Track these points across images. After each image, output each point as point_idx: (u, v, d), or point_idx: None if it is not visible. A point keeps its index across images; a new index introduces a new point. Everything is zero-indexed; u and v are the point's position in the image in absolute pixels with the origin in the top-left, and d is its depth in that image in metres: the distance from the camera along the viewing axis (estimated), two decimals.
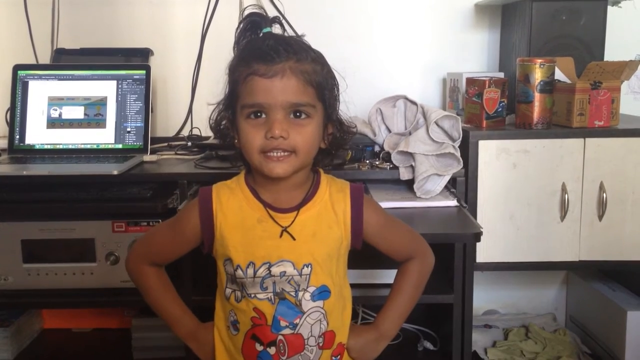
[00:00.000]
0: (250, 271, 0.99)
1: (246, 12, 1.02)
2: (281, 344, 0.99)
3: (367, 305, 1.82)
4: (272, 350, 1.00)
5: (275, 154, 0.94)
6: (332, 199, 1.03)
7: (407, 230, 1.12)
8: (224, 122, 1.03)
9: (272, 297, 0.99)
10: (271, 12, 1.04)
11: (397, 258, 1.11)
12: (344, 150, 1.08)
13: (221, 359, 1.06)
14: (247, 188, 1.02)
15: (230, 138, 1.03)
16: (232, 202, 1.01)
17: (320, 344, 1.02)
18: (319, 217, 1.01)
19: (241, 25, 1.01)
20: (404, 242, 1.10)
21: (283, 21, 1.03)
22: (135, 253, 1.10)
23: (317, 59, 0.97)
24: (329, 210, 1.02)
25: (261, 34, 0.99)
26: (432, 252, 1.12)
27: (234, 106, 0.99)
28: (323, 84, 0.96)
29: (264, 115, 0.94)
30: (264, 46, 0.94)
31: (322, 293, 1.00)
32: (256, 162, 0.96)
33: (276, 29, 1.01)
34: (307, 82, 0.94)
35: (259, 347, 1.00)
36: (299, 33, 1.03)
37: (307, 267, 0.99)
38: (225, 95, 1.02)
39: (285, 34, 1.02)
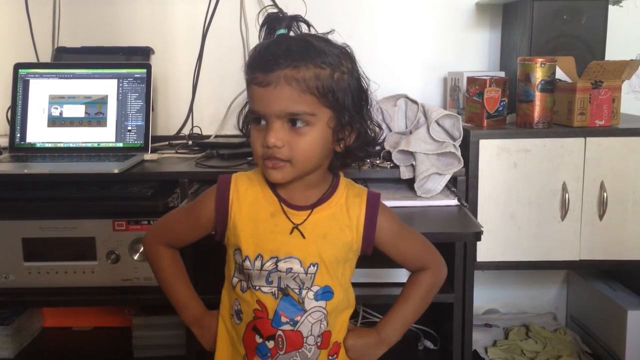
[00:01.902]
0: (257, 263, 0.99)
1: (264, 14, 1.01)
2: (280, 339, 1.00)
3: (367, 304, 1.82)
4: (270, 344, 1.00)
5: (271, 162, 0.94)
6: (348, 202, 1.02)
7: (421, 241, 1.10)
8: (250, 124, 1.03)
9: (276, 291, 0.99)
10: (273, 11, 1.03)
11: (409, 268, 1.11)
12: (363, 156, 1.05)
13: (222, 346, 1.06)
14: (265, 181, 1.02)
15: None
16: (249, 193, 1.02)
17: (319, 344, 1.02)
18: (333, 219, 1.01)
19: (260, 29, 1.00)
20: (417, 253, 1.09)
21: (304, 21, 1.01)
22: (153, 232, 1.11)
23: (326, 61, 0.93)
24: (344, 214, 1.02)
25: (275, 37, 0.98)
26: (445, 266, 1.11)
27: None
28: (329, 88, 0.93)
29: (264, 122, 0.94)
30: (265, 53, 0.93)
31: (326, 294, 1.01)
32: (260, 167, 0.98)
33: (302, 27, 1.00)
34: (304, 90, 0.91)
35: (259, 340, 1.00)
36: (311, 31, 1.00)
37: (314, 266, 0.99)
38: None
39: (312, 30, 1.00)
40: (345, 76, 0.95)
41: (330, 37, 0.99)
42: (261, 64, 0.92)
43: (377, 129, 1.04)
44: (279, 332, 1.00)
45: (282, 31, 0.98)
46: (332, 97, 0.94)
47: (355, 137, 0.99)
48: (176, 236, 1.10)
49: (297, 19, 1.00)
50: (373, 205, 1.03)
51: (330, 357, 1.05)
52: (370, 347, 1.09)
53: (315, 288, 1.00)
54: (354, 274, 1.08)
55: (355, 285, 1.09)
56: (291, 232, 0.99)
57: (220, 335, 1.06)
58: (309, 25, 1.01)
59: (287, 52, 0.92)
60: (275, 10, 1.02)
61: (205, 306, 1.11)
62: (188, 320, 1.11)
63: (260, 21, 1.01)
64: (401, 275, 1.47)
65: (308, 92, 0.92)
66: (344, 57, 0.97)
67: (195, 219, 1.06)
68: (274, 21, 0.99)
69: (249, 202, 1.01)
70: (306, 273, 0.99)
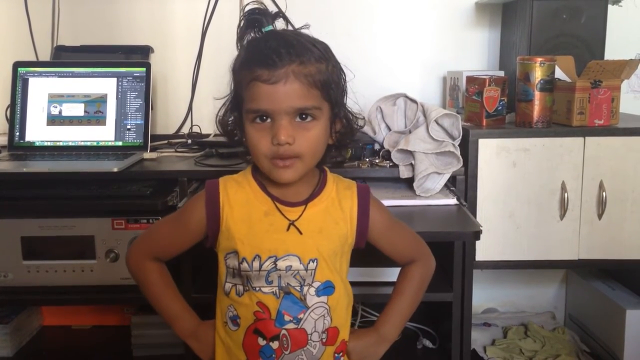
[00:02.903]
0: (255, 264, 0.98)
1: (247, 8, 1.00)
2: (284, 339, 0.99)
3: (366, 303, 1.82)
4: (275, 345, 0.99)
5: (282, 161, 0.94)
6: (339, 195, 1.03)
7: (410, 234, 1.12)
8: (231, 121, 1.02)
9: (277, 291, 0.99)
10: (271, 9, 1.02)
11: (399, 261, 1.11)
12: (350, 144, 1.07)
13: (220, 357, 1.05)
14: (255, 182, 1.01)
15: (239, 137, 1.01)
16: (239, 195, 1.01)
17: (324, 340, 1.01)
18: (326, 213, 1.01)
19: (242, 23, 0.99)
20: (407, 245, 1.10)
21: (283, 17, 1.01)
22: (137, 247, 1.09)
23: (321, 56, 0.94)
24: (336, 207, 1.02)
25: (263, 33, 0.98)
26: (433, 257, 1.12)
27: (239, 108, 0.98)
28: (328, 82, 0.94)
29: (269, 120, 0.93)
30: (265, 49, 0.92)
31: (327, 289, 1.00)
32: (265, 167, 0.96)
33: (280, 24, 1.00)
34: (311, 84, 0.92)
35: (262, 342, 0.99)
36: (302, 25, 1.00)
37: (313, 262, 0.99)
38: (230, 94, 1.00)
39: (289, 27, 1.01)
40: (335, 69, 0.97)
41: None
42: (264, 61, 0.91)
43: (354, 117, 1.05)
44: (283, 332, 0.99)
45: (270, 27, 0.98)
46: (330, 91, 0.95)
47: (343, 129, 1.01)
48: (162, 248, 1.07)
49: (279, 15, 1.00)
50: (364, 198, 1.04)
51: (336, 355, 1.04)
52: (372, 347, 1.08)
53: (316, 284, 1.00)
54: (353, 273, 1.08)
55: (353, 284, 1.09)
56: (288, 229, 0.99)
57: (216, 345, 1.05)
58: (287, 21, 1.02)
59: (289, 47, 0.92)
60: (256, 6, 1.00)
61: (198, 317, 1.09)
62: (183, 334, 1.08)
63: (243, 15, 1.00)
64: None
65: (314, 86, 0.93)
66: (329, 51, 0.98)
67: (184, 227, 1.04)
68: (262, 15, 0.98)
69: (240, 203, 1.00)
70: (306, 269, 0.99)
